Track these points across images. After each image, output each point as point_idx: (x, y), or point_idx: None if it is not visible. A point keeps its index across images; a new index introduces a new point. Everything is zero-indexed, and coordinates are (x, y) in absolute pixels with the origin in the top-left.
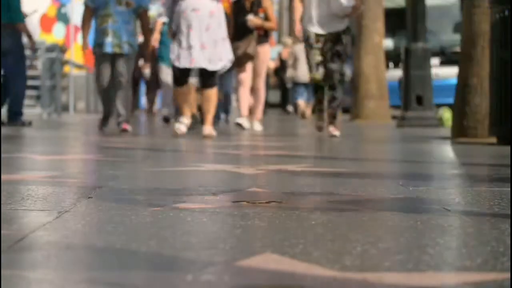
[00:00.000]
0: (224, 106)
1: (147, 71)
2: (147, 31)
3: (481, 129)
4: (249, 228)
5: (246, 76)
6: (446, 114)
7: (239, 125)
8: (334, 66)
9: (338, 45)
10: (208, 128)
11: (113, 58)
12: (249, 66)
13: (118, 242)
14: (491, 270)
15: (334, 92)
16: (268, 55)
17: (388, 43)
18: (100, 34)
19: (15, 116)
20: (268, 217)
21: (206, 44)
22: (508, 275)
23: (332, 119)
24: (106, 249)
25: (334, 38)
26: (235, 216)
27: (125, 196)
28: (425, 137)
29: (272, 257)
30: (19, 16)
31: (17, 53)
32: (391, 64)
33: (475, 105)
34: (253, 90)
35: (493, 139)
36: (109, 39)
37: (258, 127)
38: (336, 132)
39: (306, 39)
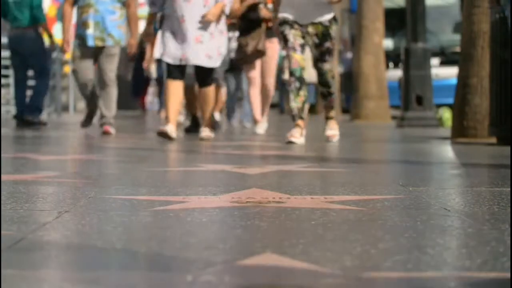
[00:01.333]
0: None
1: (152, 68)
2: (134, 22)
3: (481, 129)
4: (249, 228)
5: (256, 74)
6: (446, 114)
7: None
8: (326, 66)
9: (327, 41)
10: (205, 130)
11: (96, 52)
12: (258, 63)
13: (118, 242)
14: (491, 270)
15: (328, 88)
16: (277, 50)
17: (388, 43)
18: (81, 26)
19: (32, 112)
20: (268, 217)
21: (201, 37)
22: (508, 275)
23: (330, 111)
24: (106, 249)
25: (319, 32)
26: (235, 216)
27: (125, 196)
28: (425, 137)
29: (272, 257)
30: (42, 15)
31: (41, 54)
32: (391, 64)
33: (475, 105)
34: (262, 88)
35: (493, 139)
36: (90, 31)
37: (261, 128)
38: (335, 131)
39: (282, 22)
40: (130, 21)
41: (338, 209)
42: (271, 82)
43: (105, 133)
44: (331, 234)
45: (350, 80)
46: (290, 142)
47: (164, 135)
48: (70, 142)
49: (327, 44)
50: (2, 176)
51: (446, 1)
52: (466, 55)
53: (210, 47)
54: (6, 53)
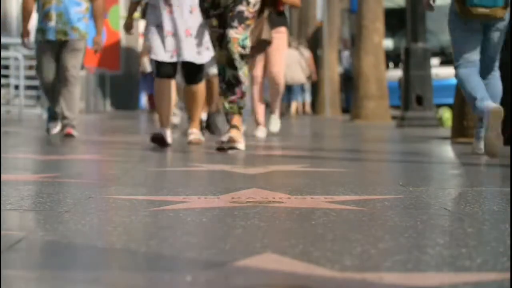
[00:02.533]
0: None
1: (145, 62)
2: (99, 17)
3: None
4: (249, 228)
5: (258, 72)
6: (446, 114)
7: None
8: (232, 32)
9: (241, 4)
10: (194, 132)
11: (59, 47)
12: (260, 59)
13: (118, 242)
14: (491, 270)
15: (235, 71)
16: (285, 39)
17: (388, 43)
18: (43, 18)
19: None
20: (268, 217)
21: (191, 30)
22: (508, 275)
23: (233, 114)
24: (106, 249)
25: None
26: (235, 216)
27: (125, 196)
28: (425, 137)
29: (272, 257)
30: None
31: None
32: (391, 64)
33: None
34: (270, 80)
35: None
36: (52, 24)
37: (275, 125)
38: (239, 144)
39: (200, 3)
40: (96, 15)
41: (338, 209)
42: (279, 72)
43: (67, 135)
44: (331, 234)
45: (349, 80)
46: (232, 148)
47: (158, 142)
48: (70, 142)
49: (239, 8)
50: (2, 176)
51: (446, 1)
52: None
53: (199, 41)
54: (6, 53)
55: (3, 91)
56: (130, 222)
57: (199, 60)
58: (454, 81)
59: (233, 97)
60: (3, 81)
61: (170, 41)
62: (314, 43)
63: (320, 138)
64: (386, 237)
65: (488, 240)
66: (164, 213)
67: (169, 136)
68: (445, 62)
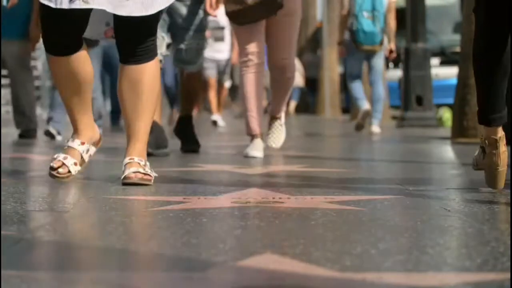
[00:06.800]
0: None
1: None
2: None
3: (481, 129)
4: (249, 228)
5: (255, 47)
6: (446, 114)
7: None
8: None
9: None
10: (135, 163)
11: None
12: (258, 28)
13: (118, 242)
14: (491, 270)
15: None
16: (299, 8)
17: None
18: None
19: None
20: (268, 217)
21: None
22: (508, 275)
23: None
24: (106, 249)
25: None
26: (235, 216)
27: (125, 196)
28: (425, 137)
29: (272, 257)
30: None
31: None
32: (391, 64)
33: (475, 105)
34: (273, 72)
35: None
36: None
37: (278, 138)
38: None
39: None
40: None
41: (338, 209)
42: (288, 59)
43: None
44: (331, 234)
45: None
46: None
47: (57, 175)
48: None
49: None
50: (2, 176)
51: (446, 1)
52: (466, 55)
53: None
54: None
55: (3, 91)
56: (130, 222)
57: (142, 10)
58: (454, 81)
59: None
60: (3, 81)
61: None
62: (314, 43)
63: (320, 138)
64: (386, 237)
65: (488, 240)
66: (164, 213)
67: (75, 160)
68: (445, 62)
